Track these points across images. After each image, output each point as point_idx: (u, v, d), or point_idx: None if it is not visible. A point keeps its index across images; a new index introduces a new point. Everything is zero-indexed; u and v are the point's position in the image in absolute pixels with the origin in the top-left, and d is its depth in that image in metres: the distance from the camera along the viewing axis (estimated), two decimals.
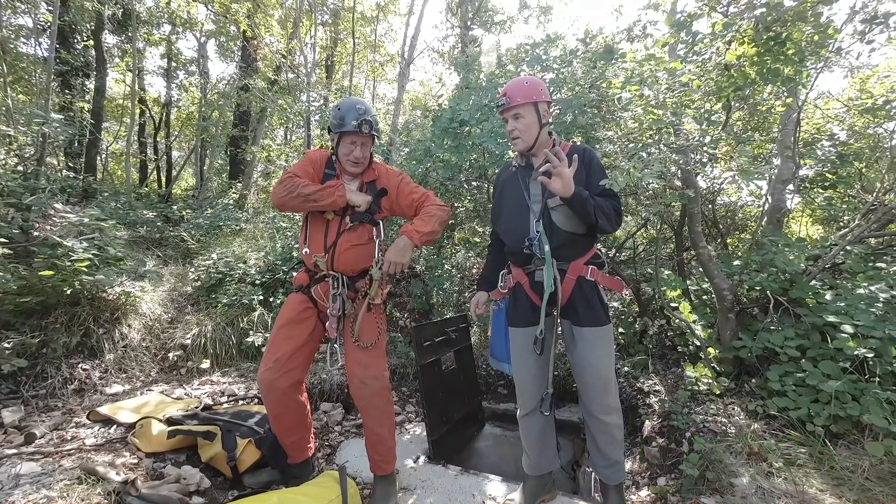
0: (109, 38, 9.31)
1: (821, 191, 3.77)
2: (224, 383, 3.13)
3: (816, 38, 2.26)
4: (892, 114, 2.67)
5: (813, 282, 2.69)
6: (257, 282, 3.98)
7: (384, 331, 2.03)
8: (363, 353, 1.93)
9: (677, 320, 3.07)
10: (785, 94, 3.24)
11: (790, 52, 2.25)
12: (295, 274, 2.13)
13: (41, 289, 2.88)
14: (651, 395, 2.68)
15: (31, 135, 4.25)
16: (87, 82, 8.44)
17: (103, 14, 8.01)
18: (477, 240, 4.75)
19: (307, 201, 1.86)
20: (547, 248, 1.71)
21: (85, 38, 8.24)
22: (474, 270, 5.11)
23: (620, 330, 3.44)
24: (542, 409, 1.83)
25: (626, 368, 3.05)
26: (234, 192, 8.44)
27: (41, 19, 7.00)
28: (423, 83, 14.82)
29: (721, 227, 4.12)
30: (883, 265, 2.79)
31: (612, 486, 1.85)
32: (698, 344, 2.79)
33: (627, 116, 2.84)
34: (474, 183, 3.79)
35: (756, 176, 2.18)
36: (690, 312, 2.94)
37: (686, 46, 2.53)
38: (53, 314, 2.92)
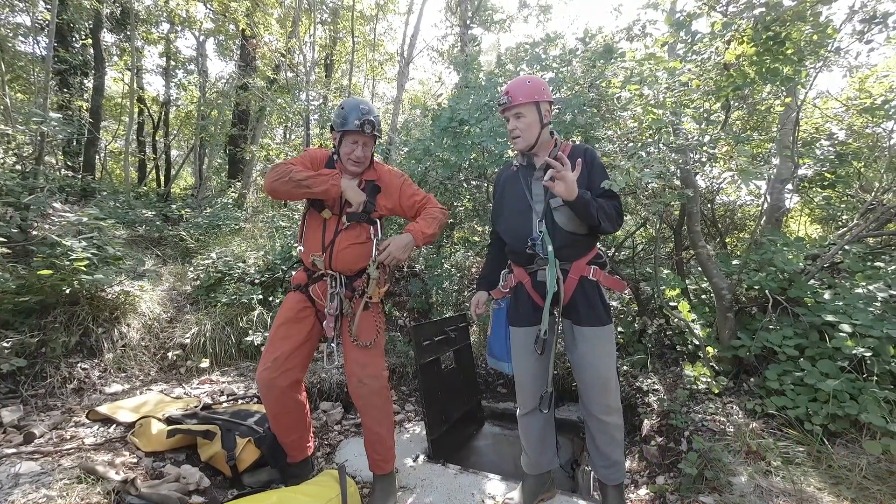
0: (108, 37, 9.29)
1: (819, 190, 3.78)
2: (223, 382, 3.14)
3: (815, 37, 2.27)
4: (890, 113, 2.67)
5: (811, 281, 2.70)
6: (256, 281, 3.97)
7: (382, 330, 2.03)
8: (361, 352, 1.93)
9: (676, 319, 3.07)
10: (784, 93, 3.25)
11: (789, 51, 2.25)
12: (294, 273, 2.12)
13: (40, 288, 2.88)
14: (650, 394, 2.68)
15: (30, 134, 4.23)
16: (85, 81, 8.42)
17: (101, 12, 7.99)
18: (476, 239, 4.75)
19: (299, 187, 1.82)
20: (550, 248, 1.71)
21: (83, 37, 8.22)
22: (473, 270, 5.11)
23: (619, 329, 3.44)
24: (542, 408, 1.84)
25: (625, 367, 3.06)
26: (233, 192, 8.43)
27: (39, 17, 6.97)
28: (422, 82, 14.82)
29: (720, 226, 4.12)
30: (881, 264, 2.79)
31: (612, 487, 1.85)
32: (697, 343, 2.80)
33: (627, 116, 2.84)
34: (473, 182, 3.79)
35: (755, 175, 2.18)
36: (689, 311, 2.95)
37: (685, 46, 2.53)
38: (52, 313, 2.92)
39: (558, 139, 1.88)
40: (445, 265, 4.41)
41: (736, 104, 3.37)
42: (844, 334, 2.24)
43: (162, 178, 10.85)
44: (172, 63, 10.44)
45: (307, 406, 2.09)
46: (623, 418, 1.85)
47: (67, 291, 2.92)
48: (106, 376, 2.96)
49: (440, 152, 3.37)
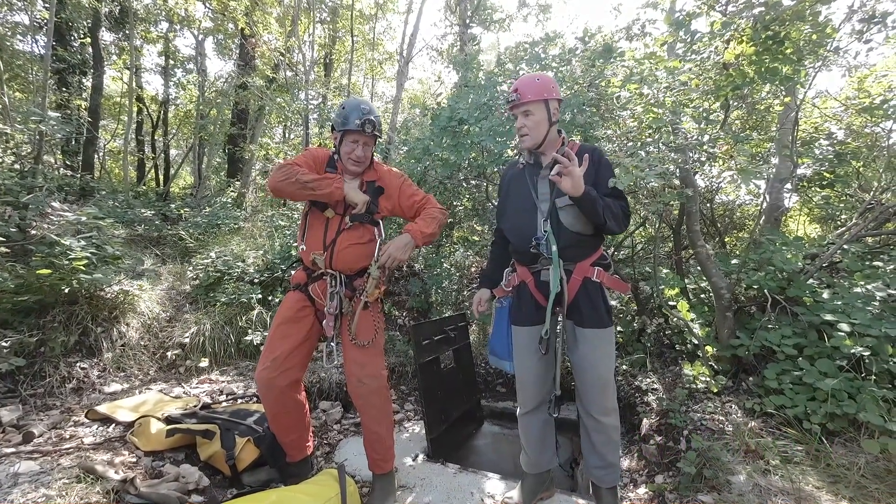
0: (106, 36, 9.27)
1: (818, 190, 3.78)
2: (223, 382, 3.14)
3: (814, 37, 2.27)
4: (889, 113, 2.67)
5: (810, 280, 2.70)
6: (256, 280, 3.97)
7: (381, 329, 2.03)
8: (361, 351, 1.93)
9: (675, 319, 3.08)
10: (783, 93, 3.25)
11: (788, 51, 2.25)
12: (293, 273, 2.13)
13: (39, 287, 2.87)
14: (649, 394, 2.69)
15: (28, 133, 4.22)
16: (84, 80, 8.40)
17: (100, 11, 7.98)
18: (475, 238, 4.75)
19: (304, 189, 1.85)
20: (554, 248, 1.70)
21: (82, 36, 8.20)
22: (473, 269, 5.12)
23: (619, 328, 3.45)
24: (550, 412, 1.83)
25: (624, 367, 3.06)
26: (232, 191, 8.42)
27: (38, 16, 6.95)
28: (421, 81, 14.82)
29: (719, 225, 4.13)
30: (880, 264, 2.80)
31: (606, 489, 1.84)
32: (696, 342, 2.80)
33: (626, 115, 2.84)
34: (473, 182, 3.79)
35: (754, 175, 2.18)
36: (688, 311, 2.95)
37: (685, 45, 2.53)
38: (51, 313, 2.91)
39: (565, 138, 1.86)
40: (445, 264, 4.41)
41: (735, 103, 3.37)
42: (843, 333, 2.24)
43: (161, 178, 10.84)
44: (171, 62, 10.42)
45: (306, 405, 2.09)
46: (621, 417, 1.85)
47: (66, 291, 2.91)
48: (105, 376, 2.96)
49: (439, 151, 3.37)
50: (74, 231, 3.45)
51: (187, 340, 3.39)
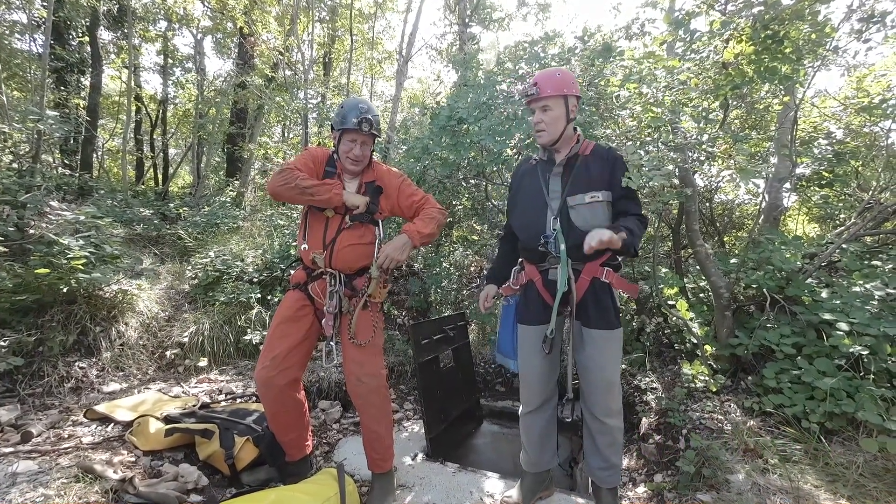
0: (105, 35, 9.25)
1: (817, 189, 3.79)
2: (222, 381, 3.13)
3: (814, 36, 2.27)
4: (888, 112, 2.67)
5: (809, 280, 2.71)
6: (255, 280, 3.97)
7: (380, 328, 2.03)
8: (360, 350, 1.93)
9: (674, 318, 3.08)
10: (782, 92, 3.25)
11: (787, 50, 2.25)
12: (292, 272, 2.13)
13: (37, 287, 2.87)
14: (648, 393, 2.69)
15: (27, 132, 4.22)
16: (82, 79, 8.38)
17: (98, 10, 7.95)
18: (475, 238, 4.76)
19: (303, 194, 1.85)
20: (563, 246, 1.68)
21: (80, 35, 8.18)
22: (472, 268, 5.12)
23: None
24: (564, 416, 1.82)
25: (623, 366, 3.06)
26: (231, 190, 8.41)
27: (36, 15, 6.94)
28: (421, 80, 14.79)
29: (718, 225, 4.13)
30: (878, 263, 2.80)
31: (607, 489, 1.84)
32: (695, 341, 2.81)
33: (625, 114, 2.84)
34: (472, 181, 3.79)
35: (753, 174, 2.18)
36: (687, 310, 2.95)
37: (684, 44, 2.53)
38: (50, 312, 2.91)
39: (580, 135, 1.83)
40: (444, 264, 4.41)
41: (734, 103, 3.37)
42: (842, 332, 2.25)
43: (160, 177, 10.82)
44: (170, 61, 10.40)
45: (306, 404, 2.09)
46: (623, 420, 1.85)
47: (65, 290, 2.91)
48: (104, 375, 2.96)
49: (439, 151, 3.37)
50: (73, 230, 3.45)
51: (186, 340, 3.39)
